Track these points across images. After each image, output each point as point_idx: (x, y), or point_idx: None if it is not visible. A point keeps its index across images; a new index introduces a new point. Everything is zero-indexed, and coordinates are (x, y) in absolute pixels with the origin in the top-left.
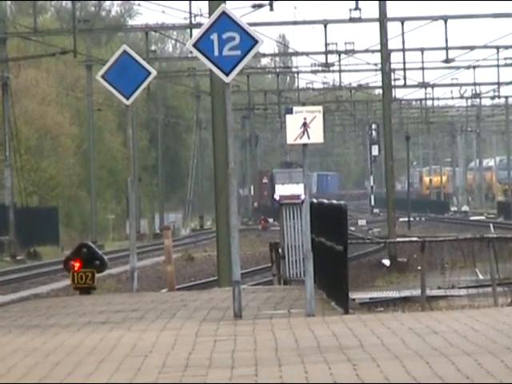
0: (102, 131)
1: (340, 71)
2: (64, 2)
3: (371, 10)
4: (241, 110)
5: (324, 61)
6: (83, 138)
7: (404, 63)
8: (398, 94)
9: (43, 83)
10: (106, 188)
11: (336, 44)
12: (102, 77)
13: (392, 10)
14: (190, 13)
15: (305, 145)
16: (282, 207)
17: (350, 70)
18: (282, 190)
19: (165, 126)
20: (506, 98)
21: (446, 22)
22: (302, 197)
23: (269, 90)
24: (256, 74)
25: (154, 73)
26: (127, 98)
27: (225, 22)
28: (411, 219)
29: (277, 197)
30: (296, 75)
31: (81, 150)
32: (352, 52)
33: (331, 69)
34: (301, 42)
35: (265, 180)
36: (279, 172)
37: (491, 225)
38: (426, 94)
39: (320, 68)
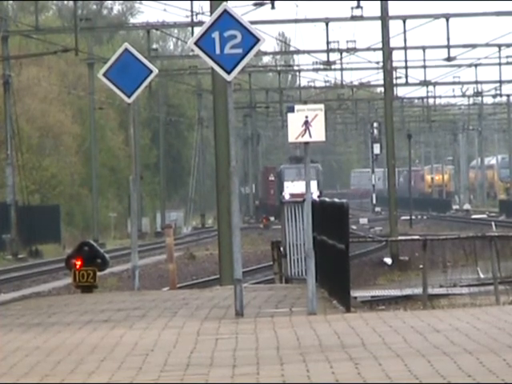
0: (104, 129)
1: (342, 69)
2: (65, 1)
3: (373, 8)
4: (242, 108)
5: (326, 59)
6: (85, 136)
7: (406, 61)
8: (400, 92)
9: (45, 81)
10: (107, 186)
11: (338, 42)
12: (104, 75)
13: (394, 8)
14: (192, 11)
15: (306, 143)
16: (283, 205)
17: (351, 69)
18: (291, 188)
19: (166, 125)
20: (508, 96)
21: (447, 20)
22: (314, 195)
23: (270, 88)
24: (258, 73)
25: (155, 71)
26: (129, 97)
27: (226, 20)
28: (413, 217)
29: (286, 195)
30: (298, 73)
31: (82, 148)
32: (354, 50)
33: (333, 67)
34: (302, 40)
35: (271, 177)
36: (288, 168)
37: (493, 223)
38: (427, 92)
39: (322, 66)
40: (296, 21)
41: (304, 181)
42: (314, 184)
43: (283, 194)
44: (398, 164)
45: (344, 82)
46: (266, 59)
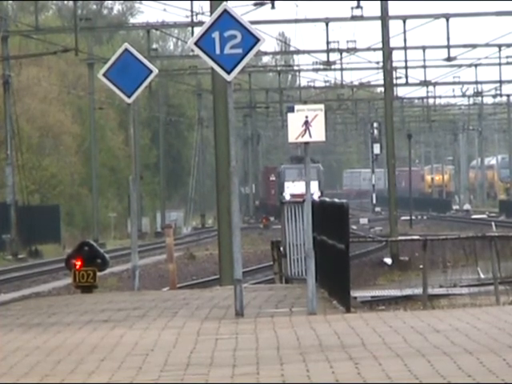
0: (104, 129)
1: (342, 69)
2: (65, 1)
3: (373, 8)
4: (242, 108)
5: (326, 59)
6: (85, 136)
7: (406, 61)
8: (400, 92)
9: (45, 81)
10: (107, 186)
11: (338, 42)
12: (104, 75)
13: (394, 8)
14: (192, 11)
15: (306, 143)
16: (283, 206)
17: (351, 69)
18: (292, 188)
19: (166, 125)
20: (508, 96)
21: (447, 20)
22: (316, 195)
23: (270, 88)
24: (258, 73)
25: (155, 71)
26: (129, 97)
27: (226, 20)
28: (413, 218)
29: (287, 196)
30: (298, 73)
31: (82, 148)
32: (354, 50)
33: (333, 67)
34: (302, 40)
35: (272, 177)
36: (289, 168)
37: (493, 223)
38: (427, 92)
39: (322, 66)
40: (296, 21)
41: (305, 181)
42: (315, 184)
43: (284, 194)
44: (397, 164)
45: (344, 82)
46: (266, 59)
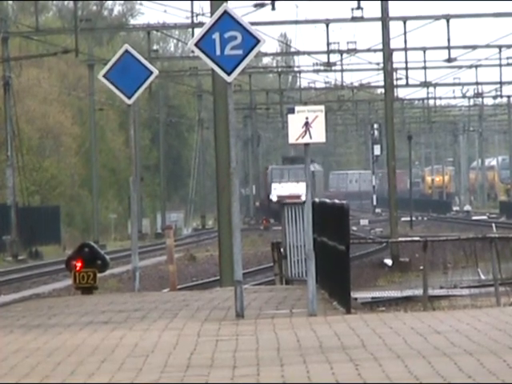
0: (104, 131)
1: (342, 70)
2: (66, 2)
3: (373, 9)
4: (243, 109)
5: (326, 60)
6: (85, 137)
7: (406, 62)
8: (400, 93)
9: (45, 83)
10: (107, 187)
11: (338, 43)
12: (104, 76)
13: (394, 9)
14: (192, 12)
15: (306, 144)
16: (283, 207)
17: (352, 70)
18: (279, 190)
19: (167, 126)
20: (509, 97)
21: (448, 22)
22: (303, 198)
23: (271, 89)
24: (258, 74)
25: (155, 72)
26: (129, 98)
27: (227, 22)
28: (413, 219)
29: (274, 197)
30: (298, 74)
31: (82, 149)
32: (354, 51)
33: (333, 68)
34: (303, 42)
35: None
36: (276, 169)
37: (493, 224)
38: (428, 93)
39: (322, 67)
40: (296, 22)
41: (292, 182)
42: (303, 185)
43: (270, 196)
44: (397, 165)
45: (344, 83)
46: (266, 60)
